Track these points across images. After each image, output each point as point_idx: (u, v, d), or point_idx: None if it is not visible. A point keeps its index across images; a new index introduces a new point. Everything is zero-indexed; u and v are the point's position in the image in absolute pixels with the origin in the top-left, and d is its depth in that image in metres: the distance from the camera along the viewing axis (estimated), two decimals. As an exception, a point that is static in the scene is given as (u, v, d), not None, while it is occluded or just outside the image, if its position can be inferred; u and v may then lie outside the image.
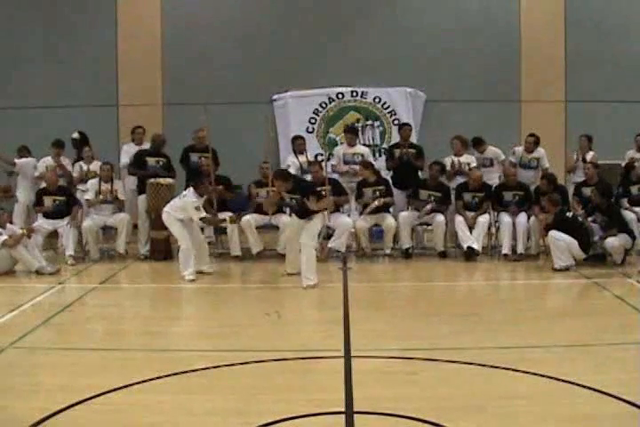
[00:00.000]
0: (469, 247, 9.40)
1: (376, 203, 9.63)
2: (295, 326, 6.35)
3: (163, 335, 6.08)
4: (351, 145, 10.61)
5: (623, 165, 10.69)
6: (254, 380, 4.75)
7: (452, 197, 10.07)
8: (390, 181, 10.29)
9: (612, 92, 12.62)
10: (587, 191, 9.64)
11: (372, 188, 9.82)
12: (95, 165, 10.29)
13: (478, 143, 10.50)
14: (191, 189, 8.51)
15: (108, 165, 9.96)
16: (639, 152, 10.54)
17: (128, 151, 10.43)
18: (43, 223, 9.55)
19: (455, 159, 10.29)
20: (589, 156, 10.42)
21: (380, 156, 12.21)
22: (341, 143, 11.48)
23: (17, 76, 12.92)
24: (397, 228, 9.73)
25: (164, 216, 8.58)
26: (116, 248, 9.76)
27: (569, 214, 9.00)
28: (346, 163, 10.46)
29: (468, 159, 10.37)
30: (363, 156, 10.47)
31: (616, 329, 6.05)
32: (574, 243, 8.67)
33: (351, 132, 10.86)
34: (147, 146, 10.39)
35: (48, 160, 10.42)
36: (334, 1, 13.20)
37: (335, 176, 10.32)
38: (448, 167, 10.25)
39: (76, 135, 10.79)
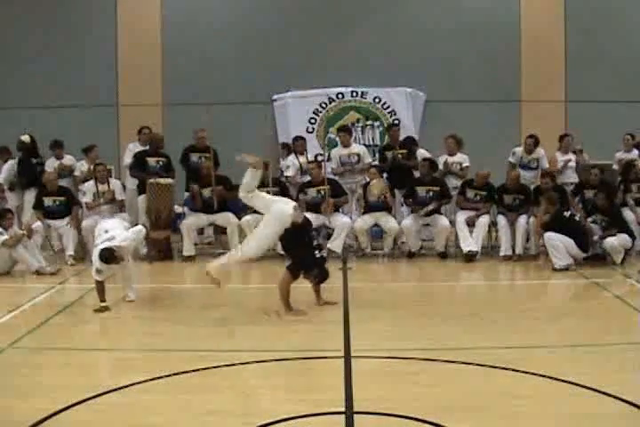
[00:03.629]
0: (469, 252, 9.40)
1: (375, 181, 9.58)
2: (295, 326, 6.35)
3: (162, 335, 6.06)
4: (346, 145, 10.40)
5: (614, 166, 10.70)
6: (254, 380, 4.76)
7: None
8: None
9: (612, 92, 12.64)
10: (589, 193, 9.61)
11: None
12: None
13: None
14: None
15: (101, 166, 9.87)
16: (627, 152, 10.54)
17: (132, 150, 10.43)
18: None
19: (448, 159, 10.33)
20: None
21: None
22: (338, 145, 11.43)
23: (17, 76, 12.94)
24: (399, 231, 9.71)
25: None
26: (116, 248, 9.73)
27: (566, 214, 8.98)
28: (342, 164, 10.31)
29: (461, 159, 10.36)
30: (359, 155, 10.31)
31: (616, 329, 6.06)
32: (570, 242, 8.65)
33: (345, 132, 10.62)
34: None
35: (54, 162, 10.41)
36: (334, 1, 13.21)
37: (336, 178, 10.28)
38: (440, 166, 10.25)
39: (26, 138, 10.24)
